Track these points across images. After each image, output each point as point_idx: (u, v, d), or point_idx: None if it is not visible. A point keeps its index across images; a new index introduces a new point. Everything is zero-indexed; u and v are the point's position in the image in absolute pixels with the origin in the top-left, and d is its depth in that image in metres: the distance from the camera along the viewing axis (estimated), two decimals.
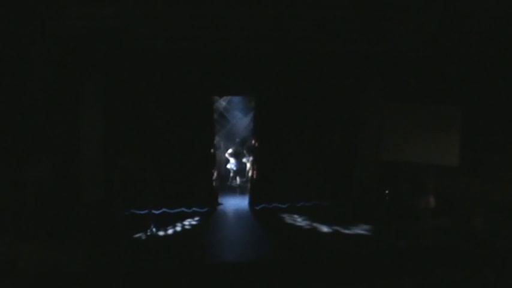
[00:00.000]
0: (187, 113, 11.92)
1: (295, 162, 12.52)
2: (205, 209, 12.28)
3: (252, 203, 12.89)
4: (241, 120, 16.00)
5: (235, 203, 13.38)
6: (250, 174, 16.10)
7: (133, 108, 11.45)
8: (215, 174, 12.76)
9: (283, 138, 12.49)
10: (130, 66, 11.20)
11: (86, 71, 10.72)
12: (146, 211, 10.89)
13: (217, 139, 16.12)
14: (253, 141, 13.12)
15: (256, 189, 12.89)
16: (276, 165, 12.54)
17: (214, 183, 12.74)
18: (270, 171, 12.62)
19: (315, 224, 11.32)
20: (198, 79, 11.76)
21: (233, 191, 15.01)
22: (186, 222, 11.41)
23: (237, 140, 16.14)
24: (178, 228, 10.98)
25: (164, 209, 11.82)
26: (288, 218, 11.90)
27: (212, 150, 12.73)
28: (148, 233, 10.41)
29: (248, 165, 16.07)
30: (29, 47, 9.91)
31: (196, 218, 11.78)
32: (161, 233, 10.56)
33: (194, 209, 12.19)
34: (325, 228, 11.00)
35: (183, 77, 11.68)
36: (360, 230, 10.91)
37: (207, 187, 12.45)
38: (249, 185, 15.77)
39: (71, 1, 9.41)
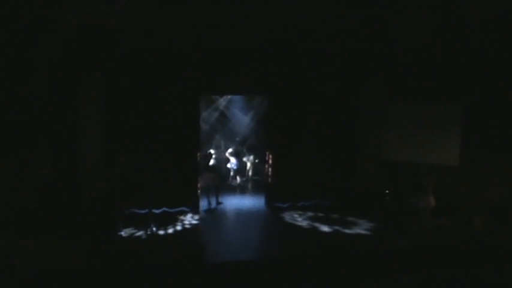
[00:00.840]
0: (177, 114, 11.90)
1: (299, 163, 12.53)
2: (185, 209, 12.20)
3: (269, 202, 12.89)
4: (241, 119, 16.04)
5: (235, 202, 13.39)
6: (251, 173, 16.18)
7: (133, 107, 11.45)
8: (200, 180, 12.67)
9: (290, 139, 12.55)
10: (131, 66, 11.21)
11: (86, 70, 10.74)
12: (146, 210, 10.91)
13: (217, 138, 16.20)
14: (268, 154, 13.03)
15: (272, 189, 12.88)
16: (286, 166, 12.60)
17: (198, 185, 12.59)
18: (281, 172, 12.68)
19: (315, 224, 11.33)
20: (198, 78, 11.77)
21: (233, 190, 15.00)
22: (186, 222, 11.44)
23: (237, 139, 16.17)
24: (179, 227, 11.02)
25: (165, 208, 11.86)
26: (288, 218, 11.92)
27: (199, 154, 12.59)
28: (149, 232, 10.44)
29: (248, 164, 16.10)
30: (29, 47, 9.93)
31: (196, 217, 11.82)
32: (161, 232, 10.61)
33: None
34: (325, 228, 11.00)
35: (182, 77, 11.69)
36: (360, 229, 10.92)
37: (190, 188, 12.34)
38: (250, 184, 15.85)
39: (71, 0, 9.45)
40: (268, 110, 13.12)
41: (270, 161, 12.82)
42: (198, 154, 12.42)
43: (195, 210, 12.24)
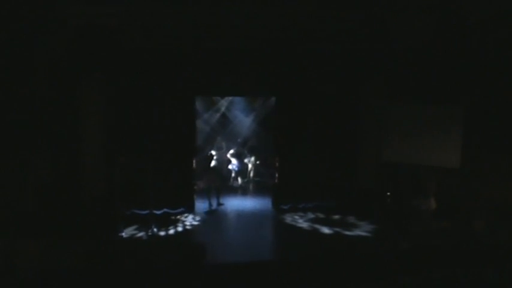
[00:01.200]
0: (177, 114, 11.90)
1: (300, 164, 12.51)
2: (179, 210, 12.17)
3: (276, 203, 12.86)
4: (243, 121, 16.06)
5: (236, 204, 13.39)
6: (252, 174, 16.19)
7: (133, 107, 11.47)
8: (201, 182, 12.79)
9: (290, 139, 12.55)
10: (131, 66, 11.23)
11: (86, 70, 10.76)
12: (147, 211, 10.91)
13: (219, 139, 16.23)
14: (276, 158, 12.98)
15: (279, 191, 12.86)
16: (287, 167, 12.60)
17: (195, 187, 12.68)
18: (283, 173, 12.68)
19: (316, 225, 11.31)
20: (198, 79, 11.78)
21: (235, 191, 15.00)
22: (187, 222, 11.43)
23: (239, 140, 16.19)
24: (179, 228, 11.01)
25: (166, 209, 11.85)
26: (289, 219, 11.89)
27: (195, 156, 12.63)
28: (150, 233, 10.43)
29: (250, 165, 16.11)
30: (29, 47, 9.96)
31: (197, 218, 11.81)
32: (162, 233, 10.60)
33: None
34: (326, 230, 10.97)
35: (182, 77, 11.69)
36: (361, 231, 10.89)
37: (187, 189, 12.34)
38: (251, 185, 15.85)
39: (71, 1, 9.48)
40: (274, 111, 13.16)
41: (277, 164, 12.78)
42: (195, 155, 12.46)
43: (190, 211, 12.23)
